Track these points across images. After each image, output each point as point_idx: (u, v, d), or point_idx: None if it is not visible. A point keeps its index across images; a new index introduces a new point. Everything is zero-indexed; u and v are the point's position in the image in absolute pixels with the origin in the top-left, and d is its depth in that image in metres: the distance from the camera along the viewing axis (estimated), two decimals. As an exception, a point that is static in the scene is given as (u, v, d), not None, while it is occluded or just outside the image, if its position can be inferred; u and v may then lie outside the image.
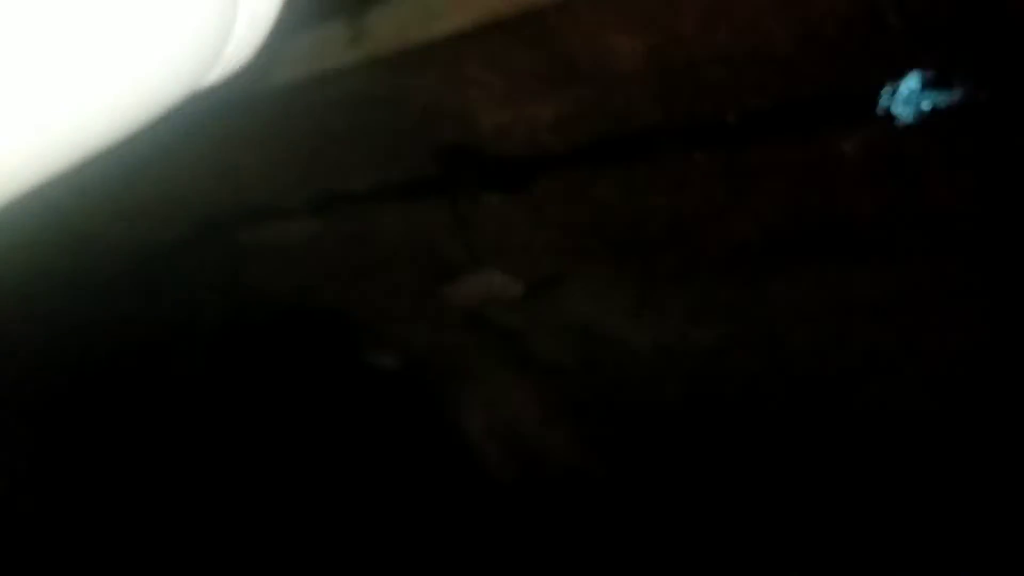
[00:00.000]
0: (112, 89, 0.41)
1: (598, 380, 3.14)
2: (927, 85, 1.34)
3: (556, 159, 1.91)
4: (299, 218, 2.44)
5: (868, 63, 1.40)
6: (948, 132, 1.45)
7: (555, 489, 3.79)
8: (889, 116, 1.43)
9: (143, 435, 3.19)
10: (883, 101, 1.39)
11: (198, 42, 0.45)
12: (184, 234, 2.65)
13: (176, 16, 0.42)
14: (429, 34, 1.60)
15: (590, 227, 2.12)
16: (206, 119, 1.33)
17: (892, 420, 2.22)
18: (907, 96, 1.34)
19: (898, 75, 1.38)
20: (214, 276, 2.86)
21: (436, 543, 3.52)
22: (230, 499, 3.31)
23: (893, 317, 1.98)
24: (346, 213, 2.37)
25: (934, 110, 1.38)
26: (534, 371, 3.30)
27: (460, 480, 3.70)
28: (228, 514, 3.31)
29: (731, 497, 2.72)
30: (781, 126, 1.59)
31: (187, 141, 1.83)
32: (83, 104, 0.40)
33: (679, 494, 2.89)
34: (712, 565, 2.85)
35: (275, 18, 0.52)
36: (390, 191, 2.20)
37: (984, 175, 1.54)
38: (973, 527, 2.25)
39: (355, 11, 1.71)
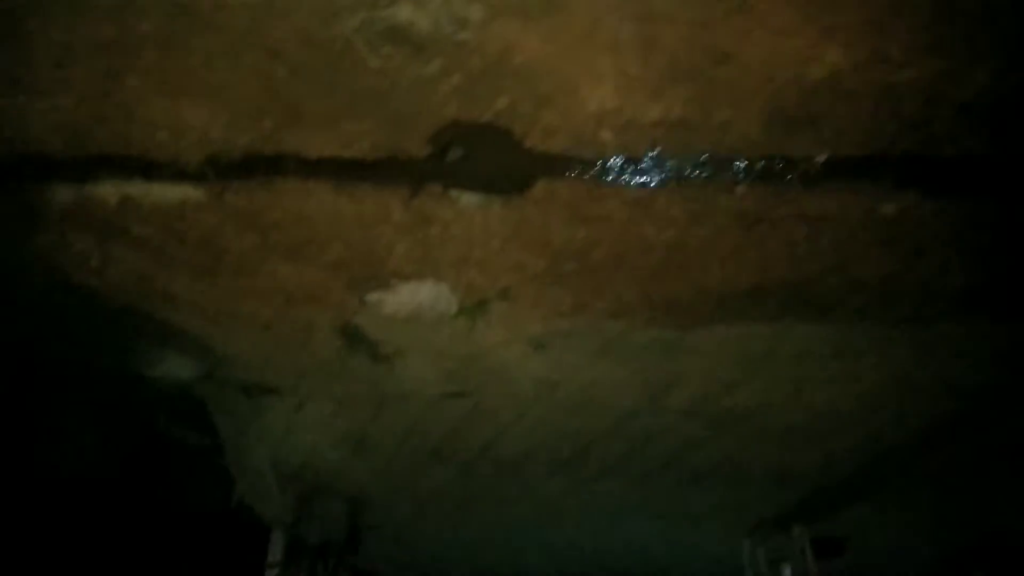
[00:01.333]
0: None
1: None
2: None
3: (584, 163, 1.63)
4: (173, 180, 1.80)
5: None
6: None
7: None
8: None
9: None
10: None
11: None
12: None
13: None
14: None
15: (576, 254, 1.87)
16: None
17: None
18: None
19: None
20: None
21: None
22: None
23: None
24: (246, 183, 1.80)
25: None
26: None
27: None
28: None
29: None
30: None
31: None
32: None
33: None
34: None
35: None
36: (331, 165, 1.71)
37: None
38: None
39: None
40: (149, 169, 1.80)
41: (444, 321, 2.12)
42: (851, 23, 1.27)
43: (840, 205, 1.69)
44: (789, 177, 1.62)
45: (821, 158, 1.54)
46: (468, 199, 1.79)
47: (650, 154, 1.59)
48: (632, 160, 1.61)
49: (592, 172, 1.66)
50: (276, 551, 3.72)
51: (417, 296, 1.98)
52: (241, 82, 1.46)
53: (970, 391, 2.38)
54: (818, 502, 3.10)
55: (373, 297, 2.03)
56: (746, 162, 1.59)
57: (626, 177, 1.67)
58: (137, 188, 1.86)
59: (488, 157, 1.67)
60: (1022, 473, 2.84)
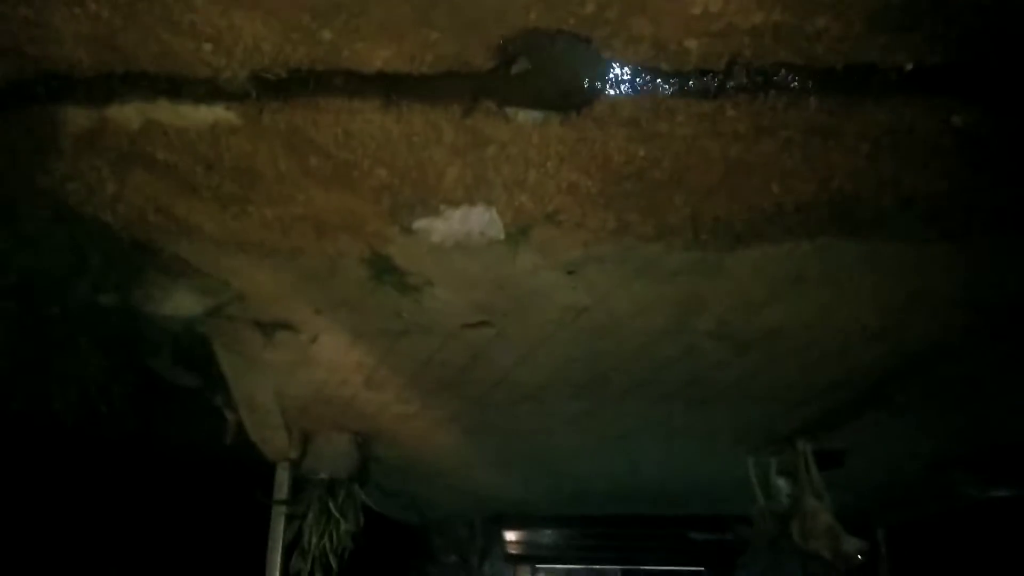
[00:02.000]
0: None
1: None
2: None
3: (644, 79, 1.56)
4: (205, 100, 1.66)
5: None
6: None
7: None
8: None
9: None
10: None
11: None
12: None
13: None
14: None
15: (634, 174, 1.81)
16: None
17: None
18: None
19: None
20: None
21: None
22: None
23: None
24: (288, 102, 1.68)
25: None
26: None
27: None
28: None
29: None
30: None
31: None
32: None
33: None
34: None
35: None
36: (384, 81, 1.61)
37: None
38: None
39: None
40: (179, 88, 1.66)
41: (488, 248, 2.05)
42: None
43: (910, 117, 1.66)
44: (867, 88, 1.58)
45: (908, 67, 1.50)
46: (525, 116, 1.71)
47: (730, 65, 1.52)
48: (710, 72, 1.55)
49: (664, 85, 1.59)
50: (282, 488, 3.69)
51: (467, 222, 1.90)
52: (306, -15, 1.33)
53: (988, 304, 2.43)
54: (824, 418, 3.19)
55: (420, 224, 1.94)
56: (827, 72, 1.54)
57: (699, 90, 1.60)
58: (163, 110, 1.73)
59: (556, 70, 1.59)
60: (1016, 386, 2.96)
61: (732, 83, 1.58)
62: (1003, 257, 2.20)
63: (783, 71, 1.56)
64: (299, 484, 3.76)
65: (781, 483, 3.45)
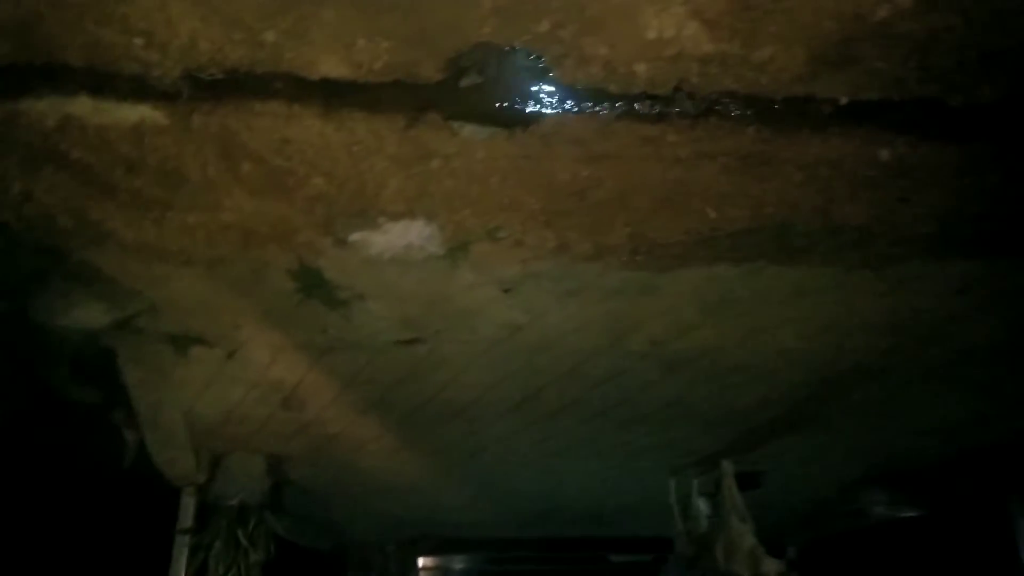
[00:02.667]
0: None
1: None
2: None
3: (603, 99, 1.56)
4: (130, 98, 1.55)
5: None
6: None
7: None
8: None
9: None
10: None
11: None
12: None
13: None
14: None
15: (576, 193, 1.80)
16: None
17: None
18: None
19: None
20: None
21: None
22: None
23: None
24: (221, 104, 1.59)
25: None
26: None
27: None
28: None
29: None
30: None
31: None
32: None
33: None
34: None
35: None
36: (325, 87, 1.55)
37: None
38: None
39: None
40: (103, 84, 1.55)
41: (425, 263, 2.00)
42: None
43: (842, 148, 1.72)
44: (804, 119, 1.62)
45: (843, 101, 1.55)
46: (471, 131, 1.68)
47: (676, 91, 1.54)
48: (656, 96, 1.56)
49: (610, 106, 1.60)
50: (187, 514, 3.47)
51: (406, 236, 1.85)
52: (253, -18, 1.26)
53: (904, 328, 2.55)
54: (746, 439, 3.27)
55: (356, 236, 1.87)
56: (767, 101, 1.58)
57: (644, 113, 1.61)
58: (82, 106, 1.61)
59: (504, 85, 1.56)
60: (929, 401, 3.11)
61: (676, 108, 1.60)
62: (920, 282, 2.30)
63: (726, 99, 1.59)
64: (205, 510, 3.54)
65: (702, 504, 3.50)
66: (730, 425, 3.15)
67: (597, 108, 1.62)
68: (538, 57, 1.47)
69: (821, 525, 4.68)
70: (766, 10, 1.34)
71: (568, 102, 1.61)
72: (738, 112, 1.63)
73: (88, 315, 2.48)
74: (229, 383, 2.94)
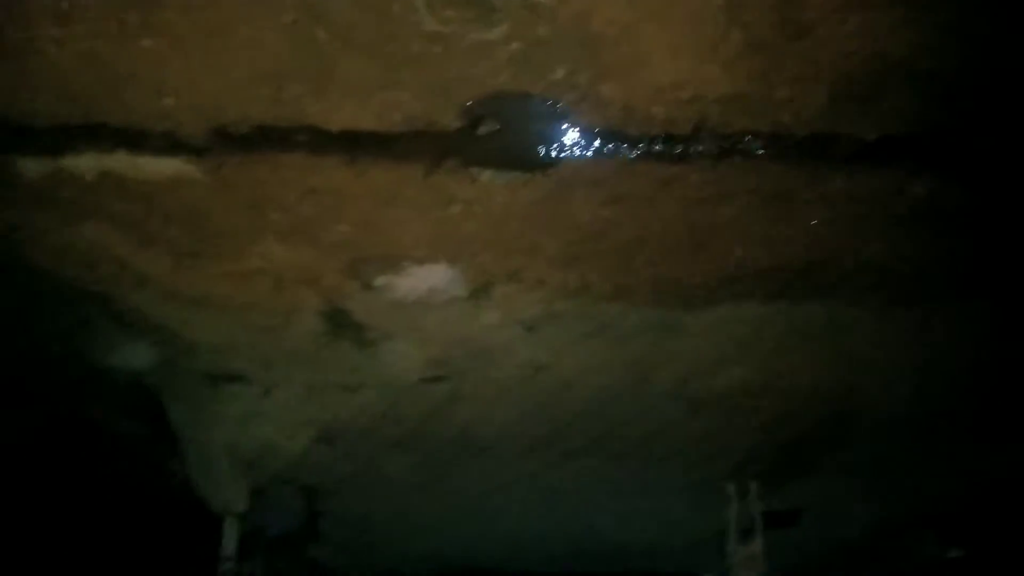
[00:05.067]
0: None
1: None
2: None
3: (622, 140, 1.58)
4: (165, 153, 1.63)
5: None
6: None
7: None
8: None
9: None
10: None
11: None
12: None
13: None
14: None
15: (596, 235, 1.82)
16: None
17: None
18: None
19: None
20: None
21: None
22: None
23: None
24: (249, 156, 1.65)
25: None
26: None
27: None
28: None
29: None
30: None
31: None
32: None
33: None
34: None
35: None
36: (349, 138, 1.59)
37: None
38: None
39: None
40: (139, 141, 1.62)
41: (450, 304, 2.04)
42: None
43: (871, 185, 1.70)
44: (828, 157, 1.62)
45: (871, 137, 1.54)
46: (490, 176, 1.71)
47: (695, 131, 1.55)
48: (674, 137, 1.57)
49: (630, 148, 1.62)
50: (230, 543, 3.54)
51: (430, 279, 1.89)
52: (275, 42, 1.32)
53: (939, 369, 2.49)
54: (778, 476, 3.20)
55: (381, 280, 1.92)
56: (790, 140, 1.58)
57: (664, 154, 1.63)
58: (120, 161, 1.68)
59: (522, 131, 1.60)
60: (964, 451, 3.02)
61: (697, 148, 1.61)
62: (955, 324, 2.25)
63: (747, 138, 1.59)
64: (247, 540, 3.61)
65: (732, 541, 3.42)
66: (760, 463, 3.09)
67: (616, 150, 1.64)
68: (555, 103, 1.50)
69: (857, 569, 4.52)
70: (781, 51, 1.35)
71: (586, 145, 1.63)
72: (761, 151, 1.63)
73: (133, 356, 2.57)
74: (266, 418, 3.00)
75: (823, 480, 3.30)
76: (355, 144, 1.62)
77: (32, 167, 1.67)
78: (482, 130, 1.58)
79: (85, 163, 1.68)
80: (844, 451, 3.04)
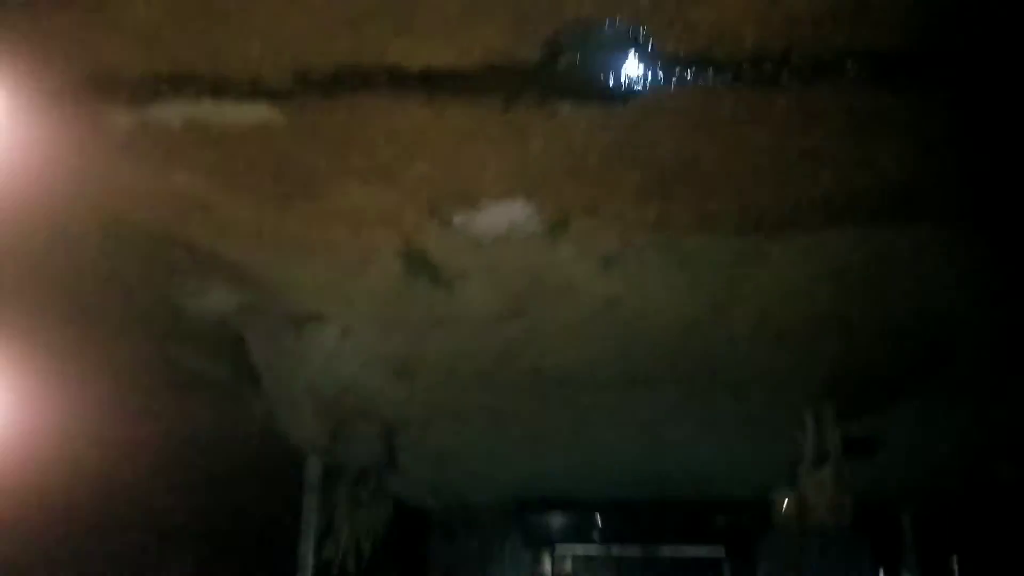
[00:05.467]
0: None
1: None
2: None
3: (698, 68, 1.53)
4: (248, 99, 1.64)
5: None
6: None
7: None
8: None
9: None
10: None
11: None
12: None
13: None
14: None
15: (679, 165, 1.78)
16: None
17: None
18: None
19: None
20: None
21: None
22: None
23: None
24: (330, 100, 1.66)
25: None
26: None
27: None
28: None
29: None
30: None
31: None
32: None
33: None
34: None
35: None
36: (427, 77, 1.58)
37: None
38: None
39: None
40: (222, 88, 1.64)
41: (526, 241, 2.04)
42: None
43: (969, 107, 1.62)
44: (924, 75, 1.54)
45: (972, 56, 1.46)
46: (570, 110, 1.68)
47: (786, 52, 1.49)
48: (765, 59, 1.51)
49: (716, 75, 1.56)
50: (313, 476, 3.72)
51: (508, 216, 1.89)
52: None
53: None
54: (858, 403, 3.17)
55: (460, 218, 1.93)
56: (882, 58, 1.50)
57: (751, 78, 1.57)
58: (205, 110, 1.71)
59: (603, 62, 1.56)
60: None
61: (786, 71, 1.55)
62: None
63: (840, 58, 1.52)
64: (330, 473, 3.78)
65: (809, 465, 3.43)
66: (841, 391, 3.06)
67: (701, 77, 1.59)
68: (639, 29, 1.45)
69: (939, 493, 4.47)
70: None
71: (670, 73, 1.58)
72: (852, 71, 1.55)
73: (218, 300, 2.67)
74: (346, 357, 3.09)
75: (903, 410, 3.26)
76: (434, 83, 1.60)
77: (121, 117, 1.71)
78: (562, 62, 1.55)
79: (172, 112, 1.71)
80: (928, 380, 2.98)
